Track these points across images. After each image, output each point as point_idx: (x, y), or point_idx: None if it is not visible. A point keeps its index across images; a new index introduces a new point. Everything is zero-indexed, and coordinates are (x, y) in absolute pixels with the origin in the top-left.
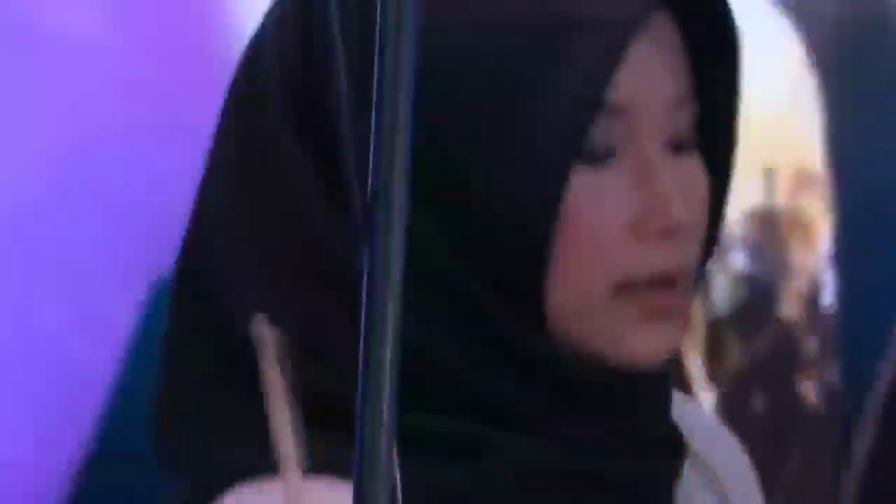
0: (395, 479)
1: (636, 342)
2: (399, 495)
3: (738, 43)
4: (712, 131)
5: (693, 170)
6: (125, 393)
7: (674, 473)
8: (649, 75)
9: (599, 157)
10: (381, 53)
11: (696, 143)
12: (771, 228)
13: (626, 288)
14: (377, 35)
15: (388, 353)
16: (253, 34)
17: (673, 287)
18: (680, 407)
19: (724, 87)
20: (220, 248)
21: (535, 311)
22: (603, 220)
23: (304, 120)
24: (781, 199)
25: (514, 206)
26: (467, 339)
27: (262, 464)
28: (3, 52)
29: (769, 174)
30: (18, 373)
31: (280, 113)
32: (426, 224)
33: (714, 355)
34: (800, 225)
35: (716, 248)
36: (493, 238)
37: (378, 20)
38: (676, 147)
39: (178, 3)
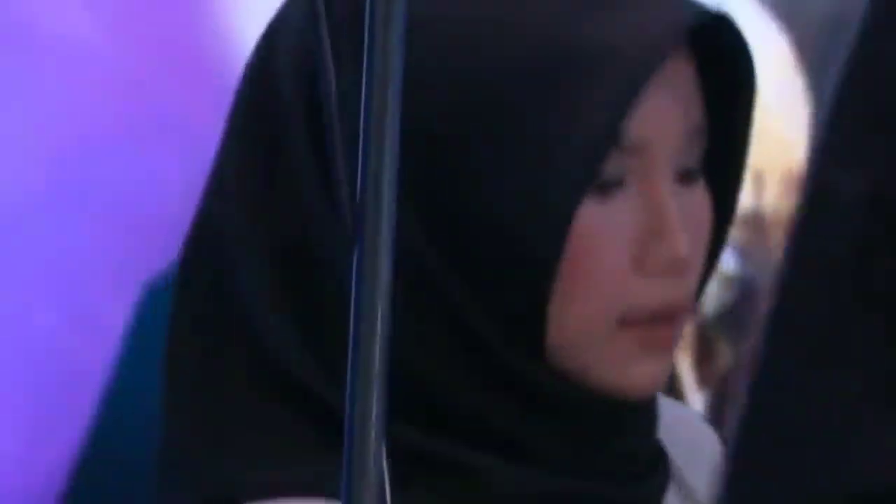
0: (384, 474)
1: (636, 374)
2: (388, 490)
3: (755, 78)
4: (721, 161)
5: (699, 199)
6: (119, 393)
7: (661, 491)
8: (664, 111)
9: (608, 189)
10: (370, 64)
11: (703, 170)
12: (759, 230)
13: (629, 321)
14: (365, 46)
15: (377, 357)
16: (261, 43)
17: (673, 321)
18: (668, 414)
19: (737, 120)
20: (231, 250)
21: (536, 342)
22: (609, 253)
23: (315, 127)
24: (769, 201)
25: (521, 238)
26: (467, 367)
27: (273, 483)
28: (3, 53)
29: (757, 176)
30: (12, 371)
31: (294, 120)
32: (430, 250)
33: (703, 357)
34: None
35: (710, 280)
36: (497, 268)
37: (366, 34)
38: (686, 177)
39: (172, 5)
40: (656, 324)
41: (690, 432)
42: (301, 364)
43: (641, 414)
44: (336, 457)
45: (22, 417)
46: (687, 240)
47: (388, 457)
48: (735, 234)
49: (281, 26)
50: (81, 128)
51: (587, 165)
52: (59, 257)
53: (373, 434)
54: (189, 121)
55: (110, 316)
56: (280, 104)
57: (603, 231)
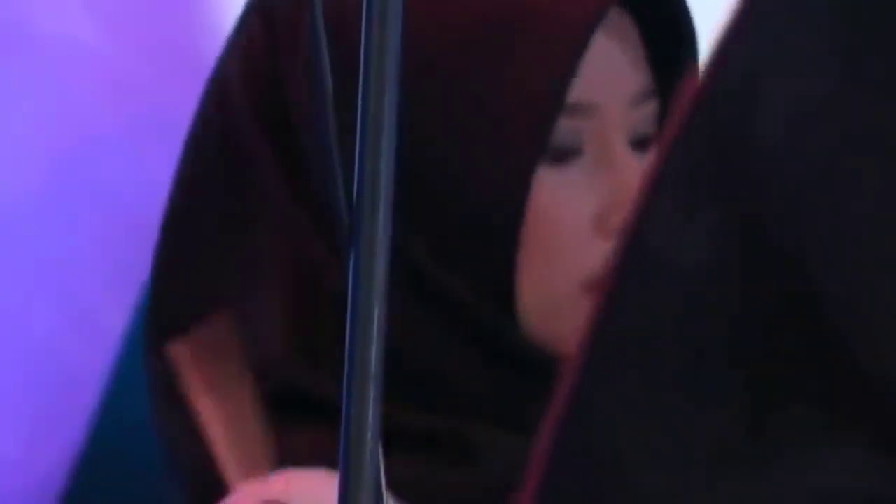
0: (380, 472)
1: None
2: (384, 489)
3: (695, 37)
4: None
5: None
6: (118, 393)
7: None
8: (611, 72)
9: (565, 156)
10: (366, 70)
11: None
12: None
13: (594, 286)
14: (362, 52)
15: (374, 354)
16: (220, 54)
17: None
18: None
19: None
20: (190, 252)
21: (506, 309)
22: (569, 219)
23: (270, 134)
24: None
25: (482, 206)
26: (446, 337)
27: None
28: (3, 53)
29: None
30: (12, 372)
31: (249, 126)
32: (405, 226)
33: None
34: None
35: None
36: (463, 237)
37: (363, 39)
38: (640, 143)
39: (170, 8)
40: None
41: None
42: (288, 373)
43: None
44: (327, 436)
45: (22, 417)
46: None
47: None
48: None
49: (234, 39)
50: (81, 129)
51: (538, 132)
52: (59, 257)
53: (369, 434)
54: (183, 124)
55: (110, 316)
56: (235, 111)
57: (562, 198)
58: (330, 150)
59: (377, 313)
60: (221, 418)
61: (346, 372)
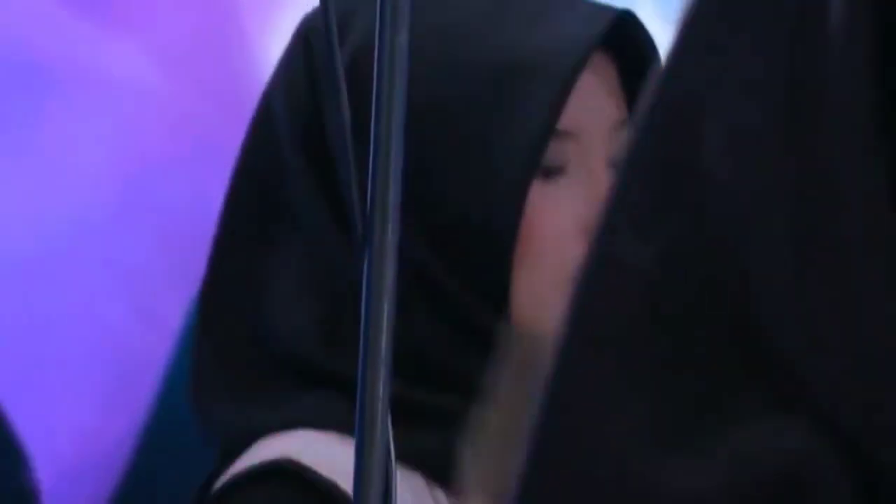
0: (390, 443)
1: None
2: (393, 456)
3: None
4: None
5: None
6: (176, 374)
7: None
8: (593, 104)
9: (554, 173)
10: (378, 99)
11: None
12: None
13: None
14: (375, 82)
15: (384, 343)
16: (268, 82)
17: None
18: None
19: None
20: (245, 255)
21: (503, 306)
22: (557, 227)
23: (309, 151)
24: None
25: (482, 217)
26: (448, 329)
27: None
28: (81, 95)
29: None
30: (88, 357)
31: (290, 145)
32: (415, 236)
33: None
34: None
35: None
36: (467, 244)
37: (375, 74)
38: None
39: (218, 52)
40: None
41: None
42: (311, 351)
43: None
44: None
45: (98, 394)
46: None
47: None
48: None
49: (278, 77)
50: (146, 156)
51: (531, 154)
52: (127, 261)
53: (380, 408)
54: (231, 150)
55: (170, 310)
56: (279, 132)
57: (551, 210)
58: (349, 171)
59: (387, 306)
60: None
61: (360, 355)
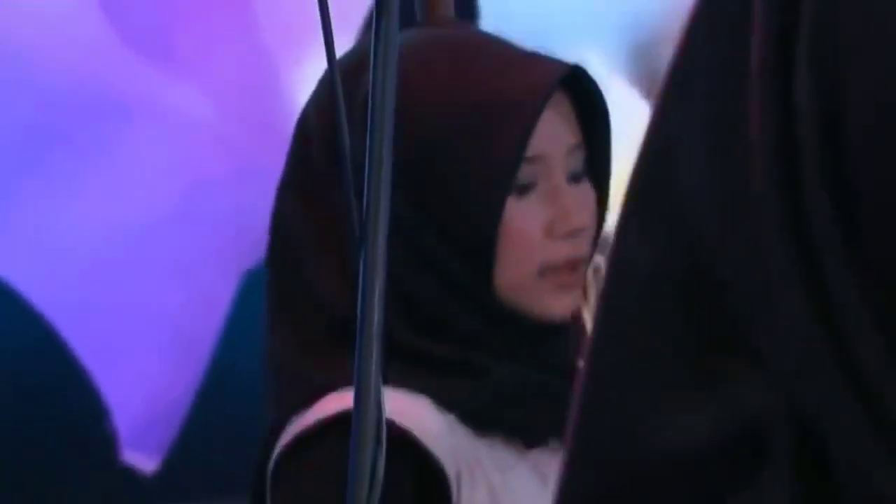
0: (381, 391)
1: (554, 305)
2: (383, 400)
3: (608, 110)
4: (597, 167)
5: (586, 192)
6: (224, 346)
7: None
8: (553, 133)
9: (524, 189)
10: (372, 130)
11: (587, 174)
12: None
13: (546, 270)
14: (369, 116)
15: (376, 312)
16: (303, 109)
17: (576, 269)
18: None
19: (602, 138)
20: (293, 246)
21: (490, 289)
22: (528, 229)
23: (335, 165)
24: None
25: (471, 224)
26: (455, 301)
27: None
28: (149, 125)
29: None
30: (156, 331)
31: (321, 159)
32: (427, 232)
33: None
34: None
35: (599, 243)
36: (461, 244)
37: (370, 109)
38: (575, 178)
39: (262, 91)
40: (566, 271)
41: None
42: (343, 309)
43: (562, 331)
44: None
45: (164, 361)
46: (579, 217)
47: (390, 357)
48: None
49: (311, 107)
50: (202, 174)
51: (506, 175)
52: (184, 258)
53: (374, 365)
54: (268, 169)
55: (218, 294)
56: (312, 151)
57: (523, 216)
58: (349, 183)
59: (378, 286)
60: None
61: (358, 320)
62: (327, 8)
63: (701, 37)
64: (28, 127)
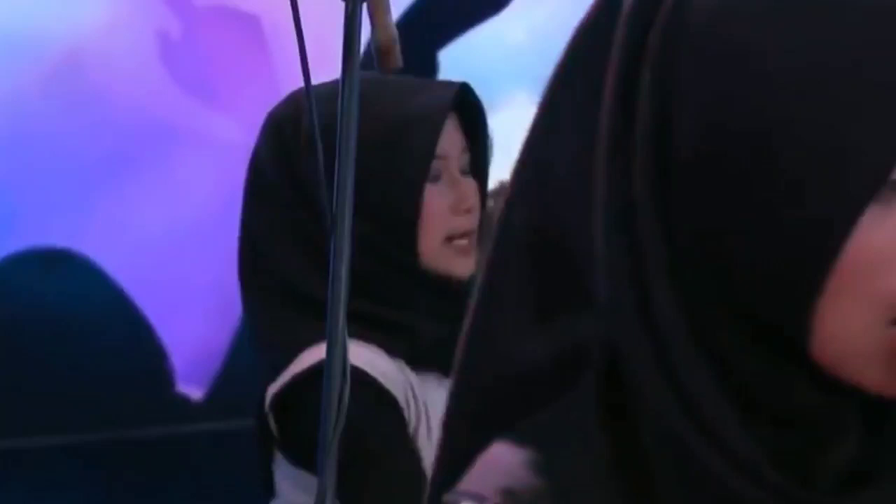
0: (346, 344)
1: (457, 266)
2: (348, 357)
3: (487, 125)
4: (479, 166)
5: (472, 183)
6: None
7: None
8: (450, 140)
9: (435, 179)
10: (340, 147)
11: (471, 171)
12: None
13: (451, 239)
14: (338, 135)
15: (343, 285)
16: (254, 148)
17: (470, 238)
18: None
19: (482, 145)
20: (259, 243)
21: (415, 259)
22: (439, 209)
23: (295, 177)
24: None
25: (399, 206)
26: (391, 271)
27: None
28: (194, 149)
29: None
30: (202, 300)
31: (276, 179)
32: (363, 220)
33: None
34: None
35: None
36: (388, 221)
37: (338, 129)
38: (463, 173)
39: None
40: (464, 238)
41: None
42: (311, 285)
43: (466, 288)
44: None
45: (210, 321)
46: (473, 199)
47: (349, 319)
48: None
49: (261, 143)
50: (234, 189)
51: (422, 168)
52: (224, 242)
53: (340, 324)
54: None
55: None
56: (268, 171)
57: (434, 199)
58: (321, 186)
59: (344, 265)
60: None
61: (329, 292)
62: (303, 43)
63: (570, 72)
64: (108, 151)
